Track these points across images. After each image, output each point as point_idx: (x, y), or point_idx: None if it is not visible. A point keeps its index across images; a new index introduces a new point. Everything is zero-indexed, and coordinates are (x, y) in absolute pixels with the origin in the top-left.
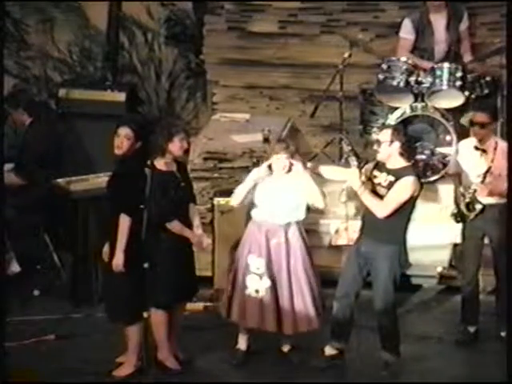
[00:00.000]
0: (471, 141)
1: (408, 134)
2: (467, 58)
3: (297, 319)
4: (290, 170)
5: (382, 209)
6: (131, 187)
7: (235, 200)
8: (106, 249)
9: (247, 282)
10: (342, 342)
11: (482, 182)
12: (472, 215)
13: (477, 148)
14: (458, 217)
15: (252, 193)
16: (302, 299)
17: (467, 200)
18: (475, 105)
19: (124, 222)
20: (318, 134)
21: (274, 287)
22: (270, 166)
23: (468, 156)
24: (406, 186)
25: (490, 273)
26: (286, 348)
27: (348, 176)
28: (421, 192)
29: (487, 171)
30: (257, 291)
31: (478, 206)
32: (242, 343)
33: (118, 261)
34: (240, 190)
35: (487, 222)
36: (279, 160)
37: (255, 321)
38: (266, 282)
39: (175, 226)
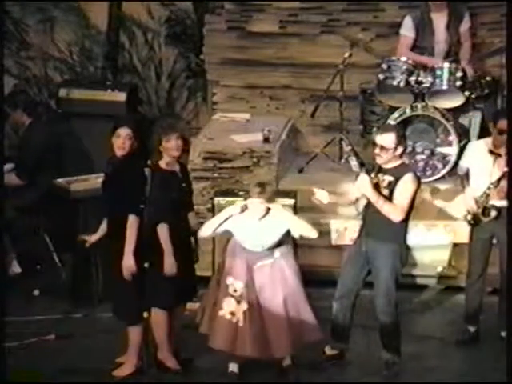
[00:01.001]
0: (483, 144)
1: (406, 134)
2: (464, 61)
3: (295, 338)
4: (267, 213)
5: (397, 213)
6: (135, 187)
7: (204, 232)
8: (93, 239)
9: (223, 304)
10: (342, 342)
11: (496, 186)
12: (487, 220)
13: (492, 152)
14: (472, 220)
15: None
16: (302, 315)
17: (481, 204)
18: (483, 104)
19: (133, 222)
20: (318, 134)
21: (253, 310)
22: (246, 206)
23: (480, 159)
24: (408, 184)
25: (489, 273)
26: (285, 363)
27: (360, 186)
28: (419, 189)
29: (503, 176)
30: (232, 314)
31: (493, 213)
32: (234, 367)
33: (129, 261)
34: (211, 223)
35: (497, 224)
36: (253, 204)
37: (226, 344)
38: (244, 306)
39: (164, 230)
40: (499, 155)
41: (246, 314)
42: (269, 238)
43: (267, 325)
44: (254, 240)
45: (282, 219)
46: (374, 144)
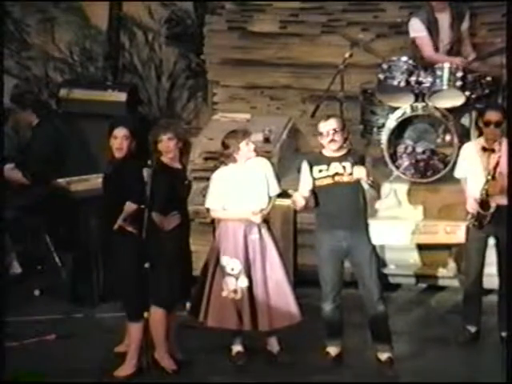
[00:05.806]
0: (473, 145)
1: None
2: (471, 56)
3: (276, 315)
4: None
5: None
6: (135, 189)
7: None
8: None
9: (223, 284)
10: (338, 338)
11: (493, 178)
12: (489, 215)
13: (485, 149)
14: (476, 221)
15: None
16: (282, 294)
17: (481, 199)
18: (483, 105)
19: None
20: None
21: (250, 285)
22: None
23: (475, 160)
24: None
25: (489, 273)
26: (275, 349)
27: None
28: None
29: (496, 166)
30: (235, 291)
31: (493, 205)
32: (238, 345)
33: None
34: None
35: (494, 224)
36: (248, 146)
37: (233, 322)
38: (244, 282)
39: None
40: (493, 150)
41: (246, 290)
42: (253, 187)
43: (259, 299)
44: (241, 196)
45: (262, 164)
46: (321, 134)
